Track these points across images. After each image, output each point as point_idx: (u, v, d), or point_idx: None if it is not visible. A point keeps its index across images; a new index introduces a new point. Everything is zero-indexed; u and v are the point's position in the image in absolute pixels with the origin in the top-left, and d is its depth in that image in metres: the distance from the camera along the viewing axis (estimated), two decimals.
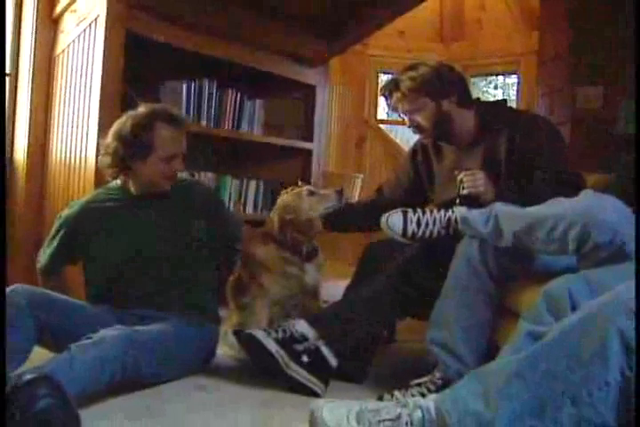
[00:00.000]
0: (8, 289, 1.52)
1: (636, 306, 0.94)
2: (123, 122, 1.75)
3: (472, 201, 1.66)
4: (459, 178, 1.72)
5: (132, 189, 1.83)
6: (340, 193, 1.95)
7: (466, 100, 1.86)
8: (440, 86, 1.80)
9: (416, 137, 2.06)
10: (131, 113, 1.77)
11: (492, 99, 5.92)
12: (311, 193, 1.95)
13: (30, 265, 2.71)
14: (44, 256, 1.88)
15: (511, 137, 1.76)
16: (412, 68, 1.83)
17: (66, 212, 1.87)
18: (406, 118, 1.88)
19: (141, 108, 1.77)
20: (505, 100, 1.96)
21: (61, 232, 1.84)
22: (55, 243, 1.85)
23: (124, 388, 1.54)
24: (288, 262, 1.92)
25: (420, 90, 1.80)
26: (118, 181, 1.87)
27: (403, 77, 1.82)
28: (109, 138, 1.75)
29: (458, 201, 1.69)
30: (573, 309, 1.16)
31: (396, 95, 1.84)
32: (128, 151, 1.72)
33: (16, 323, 1.44)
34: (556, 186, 1.61)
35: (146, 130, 1.72)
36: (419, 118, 1.84)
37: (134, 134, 1.71)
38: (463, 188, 1.69)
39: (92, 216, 1.82)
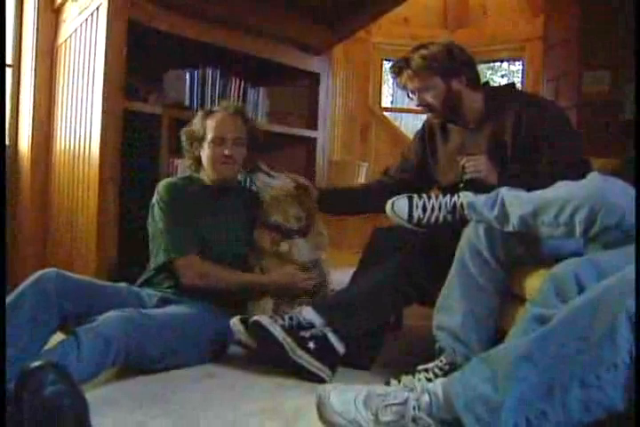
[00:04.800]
0: (41, 272, 1.53)
1: (636, 295, 0.93)
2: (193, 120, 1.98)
3: (475, 185, 1.65)
4: (461, 163, 1.71)
5: (205, 179, 1.98)
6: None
7: (475, 81, 1.85)
8: (450, 65, 1.80)
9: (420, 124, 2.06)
10: (200, 111, 2.02)
11: None
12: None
13: (36, 260, 2.74)
14: (172, 245, 1.83)
15: (518, 120, 1.75)
16: (423, 46, 1.83)
17: (163, 192, 1.90)
18: (415, 97, 1.87)
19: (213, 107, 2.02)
20: (513, 84, 1.95)
21: (177, 207, 1.88)
22: (178, 221, 1.86)
23: (131, 374, 1.56)
24: (275, 241, 1.95)
25: (430, 68, 1.79)
26: (200, 173, 2.01)
27: (414, 56, 1.81)
28: (183, 135, 1.98)
29: (461, 186, 1.68)
30: (580, 292, 1.15)
31: (407, 73, 1.84)
32: (191, 143, 1.95)
33: (39, 314, 1.45)
34: (562, 170, 1.60)
35: (202, 120, 1.93)
36: (428, 97, 1.84)
37: (193, 126, 1.94)
38: (466, 173, 1.69)
39: (182, 195, 1.92)
